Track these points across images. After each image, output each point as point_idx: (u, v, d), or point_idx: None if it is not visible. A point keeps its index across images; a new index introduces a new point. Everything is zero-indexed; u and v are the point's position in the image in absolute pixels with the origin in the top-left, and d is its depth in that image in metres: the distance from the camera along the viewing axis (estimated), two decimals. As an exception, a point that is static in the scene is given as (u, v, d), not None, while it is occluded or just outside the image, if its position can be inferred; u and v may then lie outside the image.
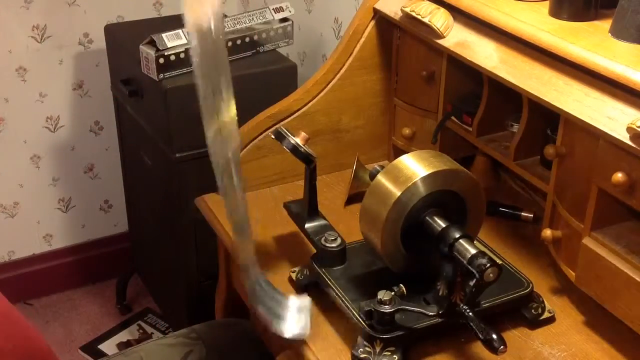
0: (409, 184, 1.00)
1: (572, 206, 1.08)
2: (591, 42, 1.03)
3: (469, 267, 0.95)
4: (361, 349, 1.00)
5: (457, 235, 0.98)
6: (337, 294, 1.06)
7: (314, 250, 1.14)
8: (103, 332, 2.31)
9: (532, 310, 1.08)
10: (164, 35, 1.66)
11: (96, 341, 2.28)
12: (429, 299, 1.03)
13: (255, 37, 1.81)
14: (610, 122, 0.94)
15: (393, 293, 0.99)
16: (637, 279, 0.96)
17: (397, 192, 1.00)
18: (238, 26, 1.78)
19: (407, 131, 1.43)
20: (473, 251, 0.96)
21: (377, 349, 0.99)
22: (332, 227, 1.16)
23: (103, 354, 2.21)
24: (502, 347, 0.93)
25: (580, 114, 0.98)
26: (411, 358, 1.01)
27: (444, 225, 1.00)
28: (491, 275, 0.94)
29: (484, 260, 0.94)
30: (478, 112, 1.27)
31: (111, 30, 2.02)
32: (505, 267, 1.06)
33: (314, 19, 2.01)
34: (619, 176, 0.94)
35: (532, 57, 1.08)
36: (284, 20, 1.86)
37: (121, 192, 2.32)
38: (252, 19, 1.80)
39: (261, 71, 1.77)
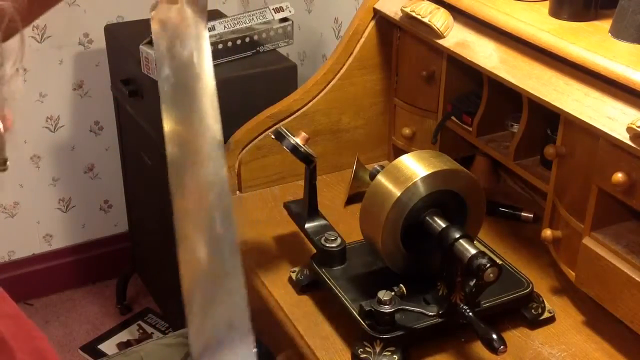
0: (409, 184, 1.00)
1: (572, 206, 1.08)
2: (591, 42, 1.03)
3: (469, 267, 0.95)
4: (361, 349, 1.00)
5: (457, 235, 0.98)
6: (337, 294, 1.06)
7: (314, 250, 1.14)
8: (103, 332, 2.31)
9: (532, 310, 1.08)
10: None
11: (96, 341, 2.28)
12: (429, 299, 1.03)
13: (255, 37, 1.81)
14: (610, 122, 0.94)
15: (393, 293, 0.99)
16: (637, 279, 0.96)
17: (397, 192, 1.00)
18: (238, 26, 1.78)
19: (407, 131, 1.43)
20: (473, 251, 0.96)
21: (377, 349, 0.99)
22: (332, 227, 1.16)
23: (103, 354, 2.21)
24: (502, 347, 0.93)
25: (580, 114, 0.98)
26: (411, 358, 1.01)
27: (444, 225, 1.00)
28: (491, 275, 0.94)
29: (484, 260, 0.94)
30: (478, 112, 1.27)
31: (111, 30, 2.02)
32: (505, 267, 1.06)
33: (314, 19, 2.01)
34: (619, 176, 0.94)
35: (532, 57, 1.08)
36: (284, 20, 1.86)
37: (121, 192, 2.32)
38: (252, 19, 1.80)
39: (261, 71, 1.77)
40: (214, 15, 2.04)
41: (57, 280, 2.46)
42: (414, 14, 1.24)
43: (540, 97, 1.04)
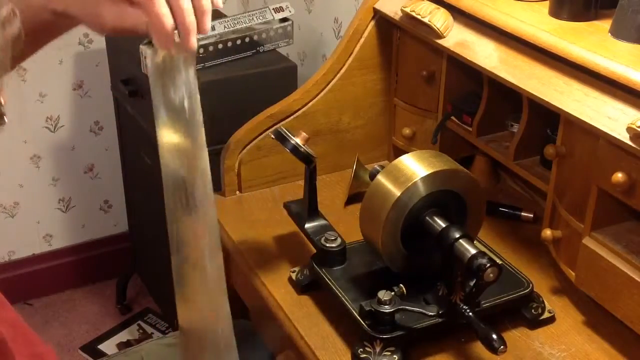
0: (409, 184, 1.00)
1: (572, 206, 1.08)
2: (591, 42, 1.03)
3: (469, 267, 0.95)
4: (361, 349, 1.00)
5: (457, 235, 0.98)
6: (337, 294, 1.06)
7: (314, 250, 1.14)
8: (103, 332, 2.31)
9: (532, 310, 1.08)
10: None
11: (96, 341, 2.28)
12: (429, 299, 1.03)
13: (255, 37, 1.81)
14: (610, 122, 0.94)
15: (393, 293, 0.99)
16: (637, 279, 0.96)
17: (397, 192, 1.00)
18: (238, 26, 1.78)
19: (407, 131, 1.43)
20: (473, 251, 0.96)
21: (377, 349, 0.99)
22: (332, 227, 1.16)
23: (103, 354, 2.21)
24: (502, 347, 0.93)
25: (580, 114, 0.98)
26: (411, 358, 1.01)
27: (444, 225, 1.00)
28: (491, 275, 0.94)
29: (484, 260, 0.94)
30: (478, 112, 1.27)
31: (111, 30, 2.02)
32: (505, 267, 1.06)
33: (314, 19, 2.01)
34: (619, 176, 0.94)
35: (532, 57, 1.08)
36: (284, 20, 1.86)
37: (121, 192, 2.32)
38: (252, 19, 1.80)
39: (261, 71, 1.77)
40: (214, 15, 2.04)
41: (57, 280, 2.46)
42: (414, 14, 1.24)
43: (541, 97, 1.04)
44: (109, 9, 0.85)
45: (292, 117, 1.40)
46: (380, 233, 1.01)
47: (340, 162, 1.47)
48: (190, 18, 0.82)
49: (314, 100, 1.41)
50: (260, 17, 1.81)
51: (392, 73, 1.44)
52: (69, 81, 2.24)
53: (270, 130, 1.37)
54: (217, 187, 1.40)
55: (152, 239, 2.16)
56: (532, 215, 1.31)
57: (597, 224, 1.03)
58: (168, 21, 0.80)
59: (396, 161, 1.04)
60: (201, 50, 1.69)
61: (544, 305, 1.09)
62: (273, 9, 1.83)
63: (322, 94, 1.41)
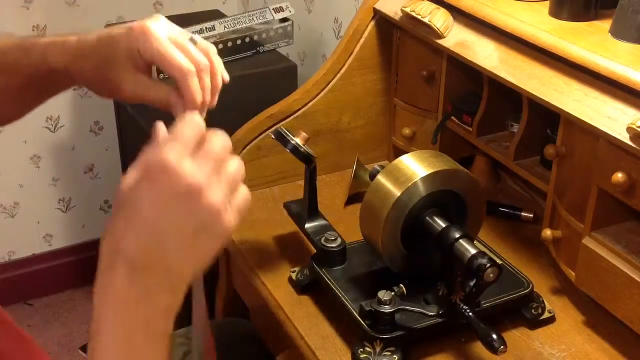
0: (409, 184, 1.00)
1: (572, 206, 1.08)
2: (591, 42, 1.03)
3: (469, 267, 0.95)
4: (361, 349, 1.00)
5: (457, 235, 0.98)
6: (337, 294, 1.06)
7: (314, 250, 1.14)
8: (103, 332, 2.31)
9: (532, 310, 1.08)
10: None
11: (96, 341, 2.28)
12: (429, 299, 1.03)
13: (255, 37, 1.81)
14: (610, 122, 0.94)
15: (393, 293, 0.99)
16: (637, 279, 0.96)
17: (397, 192, 1.00)
18: (238, 26, 1.78)
19: (407, 131, 1.43)
20: (473, 251, 0.96)
21: (377, 349, 0.99)
22: (332, 227, 1.16)
23: (103, 354, 2.21)
24: (502, 347, 0.93)
25: (580, 114, 0.98)
26: (411, 358, 1.01)
27: (444, 225, 1.00)
28: (491, 275, 0.94)
29: (484, 260, 0.94)
30: (478, 112, 1.27)
31: (111, 30, 2.02)
32: (505, 267, 1.06)
33: (314, 19, 2.01)
34: (619, 176, 0.94)
35: (532, 57, 1.08)
36: (284, 20, 1.86)
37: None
38: (252, 19, 1.80)
39: (261, 71, 1.77)
40: (214, 15, 2.05)
41: (57, 280, 2.46)
42: (414, 14, 1.24)
43: (541, 97, 1.04)
44: (129, 79, 0.88)
45: (292, 117, 1.40)
46: (380, 233, 1.01)
47: (340, 162, 1.47)
48: (208, 97, 0.87)
49: (314, 100, 1.41)
50: (260, 17, 1.81)
51: (392, 73, 1.44)
52: (69, 81, 2.24)
53: (270, 130, 1.37)
54: (217, 187, 1.40)
55: (152, 239, 2.16)
56: (532, 215, 1.31)
57: (597, 224, 1.03)
58: (200, 97, 0.85)
59: (396, 161, 1.04)
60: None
61: (544, 305, 1.09)
62: (273, 9, 1.83)
63: (322, 94, 1.41)
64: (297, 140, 1.12)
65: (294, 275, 1.16)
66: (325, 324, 1.08)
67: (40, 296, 2.45)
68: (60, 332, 2.32)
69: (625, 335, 1.03)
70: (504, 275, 0.97)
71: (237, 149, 1.38)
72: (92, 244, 2.48)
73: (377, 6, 1.38)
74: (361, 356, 0.99)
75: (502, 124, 1.29)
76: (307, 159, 1.13)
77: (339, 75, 1.41)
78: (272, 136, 1.15)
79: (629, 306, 0.98)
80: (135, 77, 0.88)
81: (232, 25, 1.76)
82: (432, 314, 1.00)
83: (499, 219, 1.32)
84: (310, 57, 2.07)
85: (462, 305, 0.98)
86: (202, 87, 0.85)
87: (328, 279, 1.09)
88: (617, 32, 1.03)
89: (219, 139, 0.69)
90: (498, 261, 0.95)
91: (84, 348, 2.25)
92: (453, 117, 1.33)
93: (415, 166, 1.02)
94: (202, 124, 0.70)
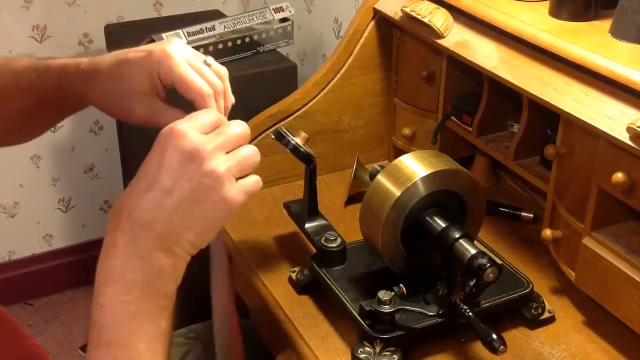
0: (409, 184, 1.00)
1: (572, 206, 1.08)
2: (591, 42, 1.03)
3: (469, 267, 0.95)
4: (361, 349, 1.00)
5: (457, 235, 0.98)
6: (337, 294, 1.06)
7: (314, 250, 1.14)
8: (103, 332, 2.31)
9: (532, 310, 1.08)
10: (163, 35, 1.66)
11: (96, 341, 2.28)
12: (429, 299, 1.03)
13: (255, 37, 1.81)
14: (610, 122, 0.94)
15: (393, 293, 0.99)
16: (637, 279, 0.96)
17: (397, 192, 1.00)
18: (238, 26, 1.78)
19: (407, 131, 1.43)
20: (473, 251, 0.96)
21: (377, 349, 0.99)
22: (332, 227, 1.16)
23: (103, 354, 2.21)
24: (502, 347, 0.93)
25: (580, 114, 0.98)
26: (411, 358, 1.01)
27: (444, 225, 1.00)
28: (491, 275, 0.94)
29: (484, 260, 0.94)
30: (478, 112, 1.28)
31: (111, 30, 2.02)
32: (505, 267, 1.06)
33: (314, 19, 2.01)
34: (619, 176, 0.94)
35: (532, 57, 1.08)
36: (284, 20, 1.86)
37: (121, 192, 2.31)
38: (252, 19, 1.80)
39: (261, 71, 1.77)
40: (214, 15, 2.05)
41: (57, 280, 2.46)
42: (414, 14, 1.24)
43: (540, 97, 1.04)
44: (142, 105, 0.89)
45: (292, 117, 1.40)
46: (380, 233, 1.01)
47: (340, 162, 1.47)
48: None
49: (314, 100, 1.41)
50: (260, 17, 1.81)
51: (392, 73, 1.44)
52: (69, 81, 2.24)
53: (270, 130, 1.37)
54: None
55: (152, 239, 2.16)
56: (532, 215, 1.31)
57: (597, 224, 1.03)
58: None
59: (396, 161, 1.04)
60: (201, 51, 1.69)
61: (544, 305, 1.09)
62: (273, 9, 1.83)
63: (322, 94, 1.41)
64: (297, 140, 1.12)
65: (294, 275, 1.16)
66: (325, 324, 1.08)
67: (40, 296, 2.46)
68: (60, 332, 2.32)
69: (625, 335, 1.03)
70: (503, 275, 0.97)
71: (237, 149, 1.38)
72: (92, 244, 2.49)
73: (377, 6, 1.38)
74: (361, 356, 0.99)
75: (502, 124, 1.29)
76: (307, 159, 1.13)
77: (339, 75, 1.41)
78: (272, 136, 1.15)
79: (628, 306, 0.98)
80: (150, 100, 0.89)
81: (232, 25, 1.76)
82: (432, 314, 1.00)
83: (499, 219, 1.32)
84: (310, 57, 2.07)
85: (462, 305, 0.98)
86: (217, 108, 0.86)
87: (328, 279, 1.09)
88: (617, 32, 1.03)
89: (237, 124, 0.73)
90: (498, 261, 0.95)
91: (83, 348, 2.25)
92: (453, 117, 1.33)
93: (415, 166, 1.02)
94: (222, 116, 0.74)
